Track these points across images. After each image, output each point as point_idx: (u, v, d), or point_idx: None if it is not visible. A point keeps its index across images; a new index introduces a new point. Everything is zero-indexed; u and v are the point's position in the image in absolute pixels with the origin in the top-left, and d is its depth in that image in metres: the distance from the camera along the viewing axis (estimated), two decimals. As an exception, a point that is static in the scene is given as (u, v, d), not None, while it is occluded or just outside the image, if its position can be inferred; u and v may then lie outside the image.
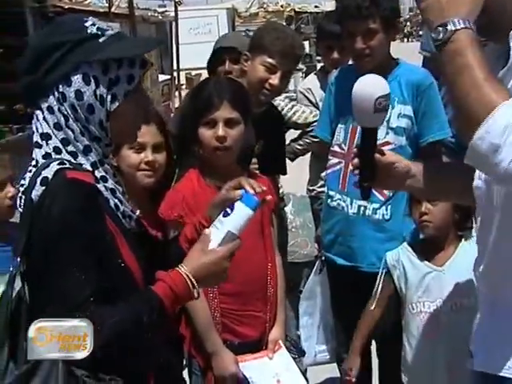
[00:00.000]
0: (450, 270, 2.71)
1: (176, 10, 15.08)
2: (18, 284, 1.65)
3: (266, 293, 2.62)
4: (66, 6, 10.56)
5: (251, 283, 2.57)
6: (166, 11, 17.73)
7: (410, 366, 2.79)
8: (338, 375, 3.43)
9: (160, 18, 17.13)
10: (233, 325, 2.57)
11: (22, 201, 1.68)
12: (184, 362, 2.70)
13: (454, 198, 2.33)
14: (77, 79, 1.66)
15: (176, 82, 14.82)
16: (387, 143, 2.89)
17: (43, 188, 1.61)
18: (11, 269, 1.69)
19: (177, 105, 12.82)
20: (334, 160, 3.09)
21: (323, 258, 3.32)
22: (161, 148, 2.65)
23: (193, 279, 1.68)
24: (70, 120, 1.68)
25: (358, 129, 2.91)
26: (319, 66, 4.64)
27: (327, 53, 3.97)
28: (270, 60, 3.03)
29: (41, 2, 8.76)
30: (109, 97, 1.69)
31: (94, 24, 1.70)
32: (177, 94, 14.25)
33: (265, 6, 27.31)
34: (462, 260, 2.63)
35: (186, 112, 2.90)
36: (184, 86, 15.21)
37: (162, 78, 13.96)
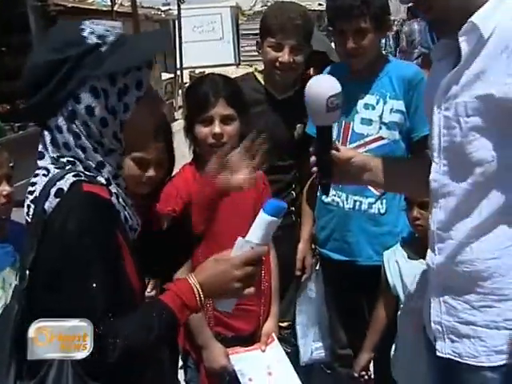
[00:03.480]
0: None
1: (179, 9, 15.09)
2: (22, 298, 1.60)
3: (259, 286, 2.63)
4: (69, 5, 10.59)
5: (244, 277, 2.57)
6: (170, 9, 17.79)
7: (399, 362, 2.79)
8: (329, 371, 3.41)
9: (163, 16, 17.20)
10: (226, 318, 2.57)
11: (31, 210, 1.61)
12: (179, 357, 2.72)
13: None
14: (85, 95, 1.59)
15: (179, 81, 14.85)
16: (381, 138, 2.90)
17: (57, 200, 1.56)
18: (14, 284, 1.65)
19: (180, 103, 12.86)
20: (327, 157, 3.08)
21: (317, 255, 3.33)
22: (163, 164, 2.58)
23: (198, 287, 1.62)
24: (82, 138, 1.62)
25: (351, 125, 2.94)
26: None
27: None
28: (273, 39, 3.07)
29: (42, 1, 8.77)
30: (121, 107, 1.63)
31: (92, 32, 1.60)
32: (180, 92, 14.26)
33: (268, 3, 27.23)
34: None
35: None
36: (187, 85, 15.22)
37: (165, 76, 14.00)
